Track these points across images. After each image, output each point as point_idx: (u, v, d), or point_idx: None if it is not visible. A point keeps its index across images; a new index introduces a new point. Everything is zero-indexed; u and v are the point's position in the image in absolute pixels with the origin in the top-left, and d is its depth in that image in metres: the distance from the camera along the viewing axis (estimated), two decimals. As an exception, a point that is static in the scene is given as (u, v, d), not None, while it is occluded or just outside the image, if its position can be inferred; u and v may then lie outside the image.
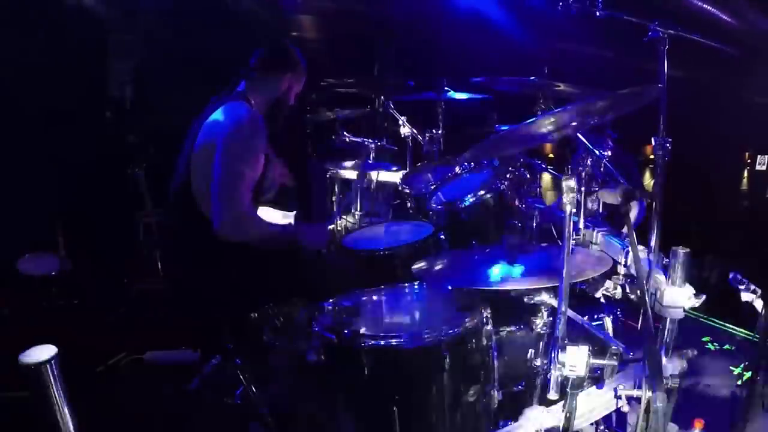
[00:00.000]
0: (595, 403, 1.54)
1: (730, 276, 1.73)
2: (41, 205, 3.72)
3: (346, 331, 1.65)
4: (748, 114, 4.43)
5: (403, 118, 3.66)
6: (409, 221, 2.89)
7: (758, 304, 1.66)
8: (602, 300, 2.15)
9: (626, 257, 1.82)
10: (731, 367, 2.85)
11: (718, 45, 2.06)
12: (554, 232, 2.36)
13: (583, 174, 1.97)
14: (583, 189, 1.84)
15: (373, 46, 4.92)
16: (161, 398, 2.84)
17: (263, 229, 2.31)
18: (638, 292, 1.51)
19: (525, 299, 2.09)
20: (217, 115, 2.27)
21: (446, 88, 3.65)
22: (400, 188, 3.20)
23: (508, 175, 2.60)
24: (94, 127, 4.38)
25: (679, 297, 1.46)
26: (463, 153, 1.72)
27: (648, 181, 4.57)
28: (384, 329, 1.79)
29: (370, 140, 3.80)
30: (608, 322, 2.10)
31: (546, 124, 1.58)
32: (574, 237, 1.96)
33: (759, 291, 1.70)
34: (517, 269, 1.82)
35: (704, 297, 1.48)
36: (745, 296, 1.68)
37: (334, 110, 3.97)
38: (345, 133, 3.84)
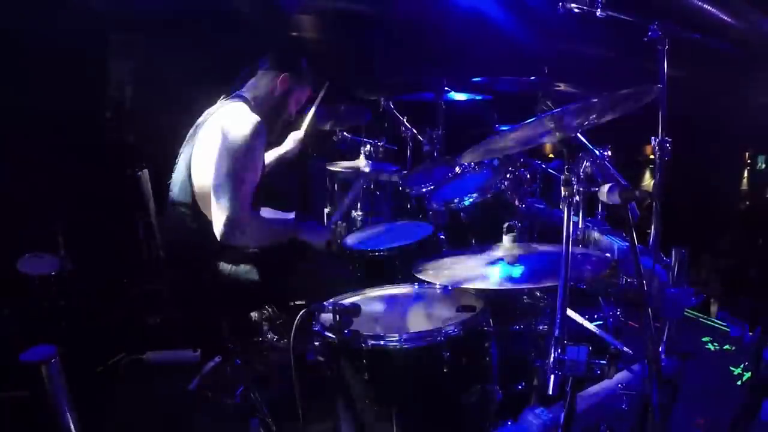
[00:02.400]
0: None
1: (718, 315, 1.75)
2: (41, 205, 3.72)
3: (346, 331, 1.65)
4: (748, 114, 4.43)
5: (403, 118, 3.66)
6: (409, 221, 2.90)
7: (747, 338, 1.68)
8: (602, 300, 2.16)
9: (626, 257, 1.83)
10: (731, 367, 2.85)
11: (718, 45, 2.06)
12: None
13: (582, 174, 1.96)
14: (582, 189, 1.84)
15: (373, 46, 4.92)
16: (161, 398, 2.84)
17: (265, 229, 2.30)
18: (638, 292, 1.51)
19: (525, 299, 2.10)
20: (218, 117, 2.27)
21: (446, 88, 3.65)
22: (400, 188, 3.20)
23: (508, 175, 2.60)
24: (95, 127, 4.38)
25: (679, 297, 1.46)
26: (463, 153, 1.71)
27: (648, 181, 4.57)
28: (384, 329, 1.79)
29: (370, 140, 3.81)
30: (608, 322, 2.10)
31: (546, 124, 1.58)
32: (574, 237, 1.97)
33: (746, 324, 1.72)
34: (517, 269, 1.82)
35: (704, 297, 1.48)
36: (734, 331, 1.71)
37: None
38: (345, 133, 3.84)
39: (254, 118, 2.24)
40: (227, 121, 2.23)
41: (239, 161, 2.16)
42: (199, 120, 2.35)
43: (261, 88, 2.40)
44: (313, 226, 2.48)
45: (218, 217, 2.14)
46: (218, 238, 2.14)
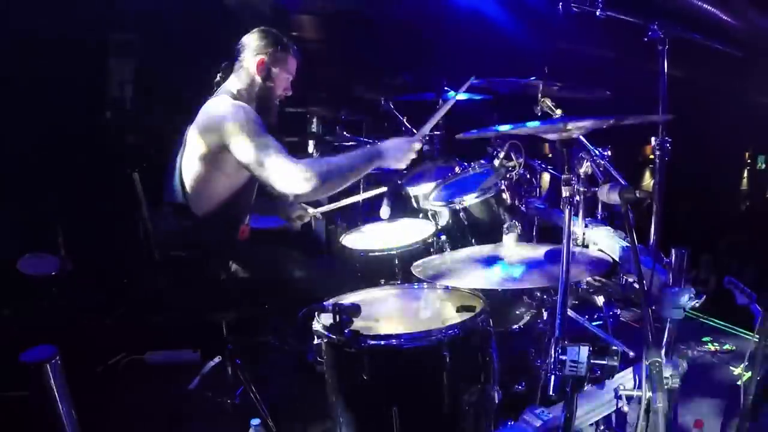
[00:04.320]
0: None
1: (725, 279, 1.73)
2: (41, 205, 3.72)
3: (346, 331, 1.65)
4: (748, 114, 4.42)
5: (403, 118, 3.66)
6: (410, 221, 2.90)
7: (755, 308, 1.66)
8: (602, 300, 2.16)
9: (626, 257, 1.83)
10: (731, 367, 2.85)
11: (718, 45, 2.06)
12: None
13: (582, 174, 1.96)
14: (582, 189, 1.84)
15: (373, 46, 4.92)
16: (161, 398, 2.84)
17: (330, 168, 2.11)
18: (638, 292, 1.51)
19: (525, 299, 2.10)
20: (209, 111, 2.24)
21: (446, 88, 3.64)
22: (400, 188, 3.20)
23: (508, 175, 2.60)
24: (95, 127, 4.38)
25: (679, 297, 1.46)
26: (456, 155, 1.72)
27: (648, 181, 4.57)
28: (384, 329, 1.79)
29: (370, 140, 3.80)
30: (608, 322, 2.10)
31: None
32: (574, 237, 1.96)
33: (754, 294, 1.70)
34: (517, 269, 1.82)
35: (704, 297, 1.48)
36: (741, 299, 1.69)
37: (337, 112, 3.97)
38: (345, 133, 3.84)
39: (238, 103, 2.19)
40: (219, 111, 2.18)
41: (256, 130, 2.10)
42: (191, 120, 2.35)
43: (242, 79, 2.34)
44: (389, 147, 2.24)
45: (278, 183, 2.06)
46: (299, 198, 2.09)
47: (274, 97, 2.39)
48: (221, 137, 2.13)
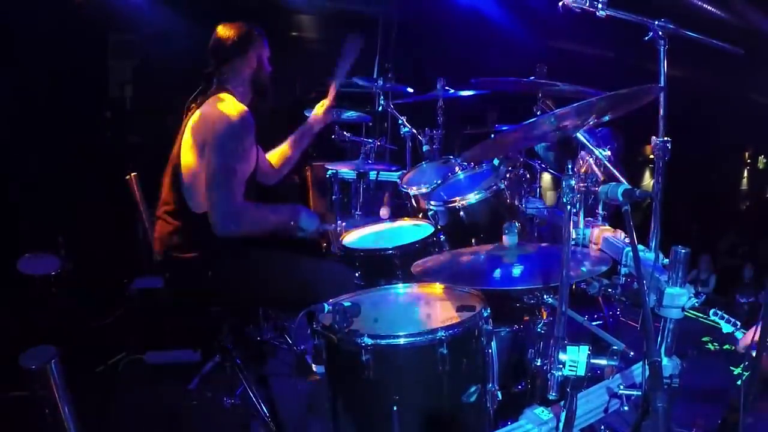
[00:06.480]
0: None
1: (711, 312, 1.74)
2: (41, 205, 3.72)
3: (346, 331, 1.65)
4: (748, 114, 4.43)
5: (403, 118, 3.66)
6: (409, 221, 2.90)
7: (740, 335, 1.68)
8: (602, 300, 2.16)
9: (626, 257, 1.83)
10: (731, 367, 2.85)
11: (718, 45, 2.06)
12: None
13: (583, 174, 1.96)
14: (583, 189, 1.84)
15: (373, 46, 4.92)
16: (161, 398, 2.84)
17: (259, 216, 2.33)
18: (638, 292, 1.51)
19: (525, 299, 2.09)
20: (205, 111, 2.27)
21: (446, 88, 3.64)
22: (400, 188, 3.20)
23: (508, 175, 2.60)
24: (95, 127, 4.38)
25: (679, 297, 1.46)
26: (463, 153, 1.72)
27: (648, 181, 4.57)
28: (384, 329, 1.79)
29: (370, 140, 3.80)
30: (608, 322, 2.10)
31: (546, 124, 1.59)
32: (574, 237, 1.96)
33: (738, 323, 1.72)
34: (517, 269, 1.82)
35: (704, 297, 1.48)
36: (726, 328, 1.71)
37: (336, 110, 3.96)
38: (345, 133, 3.84)
39: (241, 108, 2.25)
40: (214, 114, 2.23)
41: (231, 154, 2.19)
42: (184, 118, 2.35)
43: (240, 72, 2.40)
44: (307, 210, 2.50)
45: (213, 209, 2.17)
46: (215, 230, 2.16)
47: (266, 79, 2.49)
48: (205, 137, 2.19)
